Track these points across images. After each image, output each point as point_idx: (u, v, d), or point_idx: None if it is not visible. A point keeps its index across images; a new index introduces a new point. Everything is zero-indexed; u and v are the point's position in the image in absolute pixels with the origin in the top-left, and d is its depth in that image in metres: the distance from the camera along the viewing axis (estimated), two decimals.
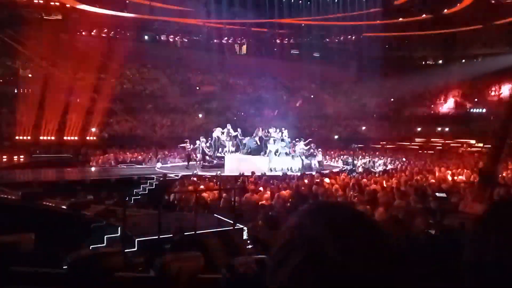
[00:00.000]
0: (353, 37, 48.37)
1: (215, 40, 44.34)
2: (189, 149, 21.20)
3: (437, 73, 44.27)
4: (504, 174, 15.06)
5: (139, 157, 24.43)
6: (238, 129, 21.60)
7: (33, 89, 29.02)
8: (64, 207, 8.75)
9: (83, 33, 37.62)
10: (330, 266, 0.61)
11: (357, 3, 44.84)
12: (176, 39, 43.86)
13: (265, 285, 0.68)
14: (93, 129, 28.93)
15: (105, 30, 38.98)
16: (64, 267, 3.85)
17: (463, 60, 45.59)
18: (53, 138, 27.35)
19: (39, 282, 3.89)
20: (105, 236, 7.16)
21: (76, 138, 28.53)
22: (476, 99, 41.29)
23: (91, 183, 14.70)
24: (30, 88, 29.78)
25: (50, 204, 9.00)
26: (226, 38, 45.33)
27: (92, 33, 38.27)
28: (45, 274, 3.91)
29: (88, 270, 3.62)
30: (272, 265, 0.67)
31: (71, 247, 4.96)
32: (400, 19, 44.73)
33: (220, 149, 21.21)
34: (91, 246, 6.32)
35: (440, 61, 47.77)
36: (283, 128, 21.64)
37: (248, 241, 7.66)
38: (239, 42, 46.67)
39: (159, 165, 21.09)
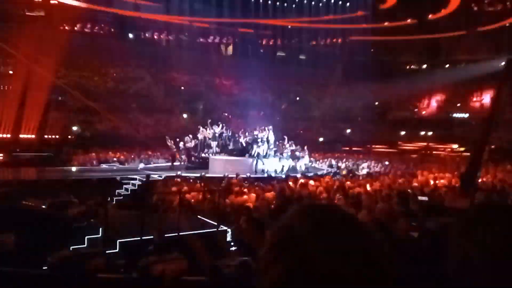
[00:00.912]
0: (339, 41, 48.82)
1: (201, 39, 44.24)
2: (174, 149, 21.06)
3: (421, 78, 45.06)
4: (484, 179, 15.39)
5: (122, 157, 24.16)
6: (226, 129, 21.52)
7: (14, 86, 28.46)
8: (44, 206, 8.60)
9: (67, 30, 37.03)
10: (318, 266, 0.61)
11: (343, 7, 45.34)
12: (162, 36, 43.56)
13: (249, 286, 0.68)
14: (75, 128, 28.51)
15: (89, 26, 38.47)
16: (44, 267, 3.78)
17: (447, 66, 46.44)
18: (33, 136, 26.85)
19: (19, 283, 3.80)
20: (86, 237, 7.06)
21: (57, 136, 28.07)
22: (458, 104, 42.08)
23: (72, 182, 14.47)
24: (11, 85, 29.21)
25: (30, 203, 8.83)
26: (212, 38, 45.22)
27: (76, 29, 37.69)
28: (25, 275, 3.82)
29: (69, 271, 3.55)
30: (261, 266, 0.67)
31: (52, 248, 4.87)
32: (386, 23, 45.38)
33: (205, 150, 21.14)
34: (71, 247, 6.22)
35: (424, 66, 48.55)
36: (268, 128, 21.56)
37: (232, 243, 7.64)
38: (224, 42, 46.62)
39: (141, 165, 20.90)
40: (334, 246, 0.63)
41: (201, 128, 21.67)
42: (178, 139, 21.59)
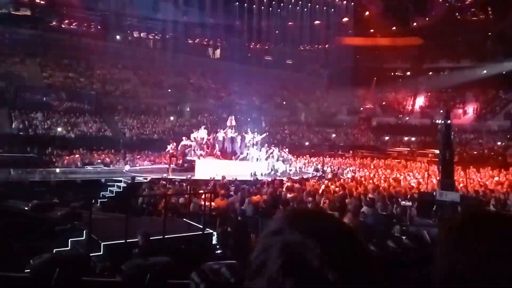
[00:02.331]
0: (326, 46, 49.24)
1: (189, 40, 44.12)
2: (174, 151, 20.59)
3: (406, 85, 45.73)
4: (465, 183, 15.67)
5: (107, 159, 23.87)
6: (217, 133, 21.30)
7: None
8: (27, 209, 8.45)
9: (53, 30, 36.57)
10: (308, 271, 0.63)
11: (329, 13, 45.76)
12: (149, 36, 43.29)
13: None
14: (59, 129, 28.07)
15: (75, 26, 38.03)
16: (26, 271, 3.72)
17: (430, 73, 47.22)
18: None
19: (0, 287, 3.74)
20: (70, 240, 6.97)
21: (41, 137, 27.58)
22: (441, 111, 42.72)
23: (56, 184, 14.25)
24: None
25: (12, 205, 8.68)
26: (198, 40, 45.16)
27: (62, 29, 37.22)
28: (7, 278, 3.76)
29: (52, 274, 3.51)
30: (251, 270, 0.68)
31: (34, 251, 4.80)
32: (371, 30, 45.96)
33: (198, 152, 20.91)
34: (54, 250, 6.14)
35: (409, 73, 49.25)
36: (255, 134, 21.83)
37: (218, 246, 7.63)
38: (212, 44, 46.57)
39: (127, 167, 20.68)
40: (324, 251, 0.64)
41: (196, 131, 21.38)
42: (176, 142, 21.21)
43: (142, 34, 42.80)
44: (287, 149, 23.81)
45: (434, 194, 10.66)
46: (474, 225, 0.80)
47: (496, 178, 18.76)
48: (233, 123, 21.51)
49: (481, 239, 0.76)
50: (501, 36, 37.98)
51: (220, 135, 20.91)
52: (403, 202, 9.88)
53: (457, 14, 42.11)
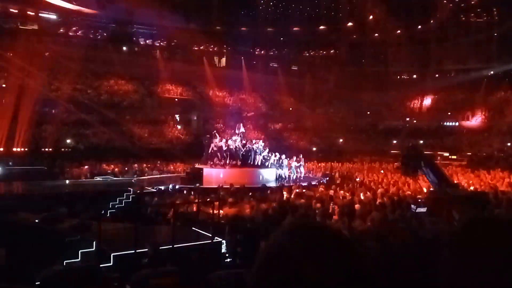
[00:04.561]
0: (331, 52, 49.27)
1: (195, 47, 44.36)
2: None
3: (412, 88, 45.53)
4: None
5: (116, 169, 24.02)
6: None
7: (7, 100, 28.34)
8: (37, 220, 8.51)
9: (60, 43, 37.03)
10: (307, 285, 0.63)
11: (335, 18, 45.80)
12: (156, 44, 43.57)
13: None
14: (68, 141, 28.35)
15: (82, 37, 38.46)
16: (36, 283, 3.75)
17: (437, 75, 46.99)
18: (26, 149, 26.64)
19: None
20: (80, 251, 7.00)
21: (51, 149, 27.87)
22: (449, 113, 42.46)
23: (65, 196, 14.34)
24: (4, 98, 29.09)
25: (22, 218, 8.75)
26: (203, 47, 45.38)
27: (69, 42, 37.67)
28: None
29: (62, 286, 3.52)
30: (252, 283, 0.69)
31: (44, 263, 4.83)
32: (376, 34, 45.92)
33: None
34: (65, 261, 6.17)
35: (415, 76, 49.06)
36: (261, 141, 21.95)
37: (227, 255, 7.61)
38: (217, 51, 46.78)
39: (135, 177, 20.79)
40: (322, 265, 0.65)
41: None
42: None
43: (148, 42, 43.08)
44: (297, 156, 23.72)
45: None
46: (477, 231, 0.81)
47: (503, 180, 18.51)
48: (242, 130, 21.55)
49: (484, 244, 0.76)
50: (506, 37, 37.71)
51: (232, 143, 20.84)
52: (413, 206, 9.81)
53: (461, 15, 41.92)
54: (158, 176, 22.52)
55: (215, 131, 21.92)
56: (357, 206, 9.88)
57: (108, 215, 12.13)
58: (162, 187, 15.97)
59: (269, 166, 20.82)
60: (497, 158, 30.02)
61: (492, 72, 41.37)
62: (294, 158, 23.33)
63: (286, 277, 0.65)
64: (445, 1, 41.14)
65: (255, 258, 0.73)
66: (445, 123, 41.98)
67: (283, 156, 22.11)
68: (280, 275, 0.65)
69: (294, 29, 45.85)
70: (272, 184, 18.35)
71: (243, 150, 20.47)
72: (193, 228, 8.55)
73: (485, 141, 36.24)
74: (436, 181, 11.72)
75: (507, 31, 36.99)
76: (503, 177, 19.72)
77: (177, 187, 16.09)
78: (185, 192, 14.60)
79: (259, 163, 20.53)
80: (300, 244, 0.68)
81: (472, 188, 14.96)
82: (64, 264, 5.95)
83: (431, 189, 12.20)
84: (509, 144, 33.93)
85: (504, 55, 39.28)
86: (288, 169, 21.96)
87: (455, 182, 13.70)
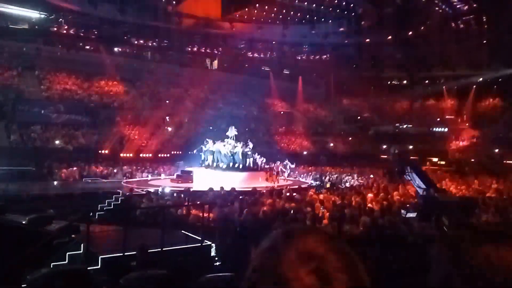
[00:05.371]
0: (322, 56, 49.51)
1: (187, 48, 44.28)
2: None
3: (402, 93, 45.98)
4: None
5: (105, 171, 23.82)
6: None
7: None
8: (24, 222, 8.40)
9: (51, 42, 36.72)
10: None
11: (326, 23, 46.09)
12: (147, 44, 43.37)
13: None
14: (57, 142, 28.00)
15: (73, 38, 38.15)
16: (23, 285, 3.70)
17: (427, 81, 47.55)
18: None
19: None
20: (68, 253, 6.92)
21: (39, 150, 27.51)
22: (438, 119, 42.90)
23: (53, 197, 14.19)
24: None
25: (9, 219, 8.62)
26: (196, 48, 45.34)
27: (60, 42, 37.35)
28: None
29: None
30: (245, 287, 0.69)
31: (31, 265, 4.77)
32: (367, 40, 46.30)
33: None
34: (52, 264, 6.10)
35: (405, 82, 49.54)
36: (249, 142, 21.80)
37: (216, 258, 7.59)
38: (209, 54, 46.76)
39: (125, 179, 20.66)
40: (315, 270, 0.65)
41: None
42: None
43: (139, 43, 42.84)
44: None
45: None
46: (466, 238, 0.81)
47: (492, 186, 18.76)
48: (235, 133, 21.49)
49: (472, 252, 0.77)
50: (496, 44, 38.27)
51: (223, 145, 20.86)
52: (403, 211, 9.88)
53: (452, 23, 42.42)
54: (148, 178, 22.40)
55: (206, 139, 21.92)
56: (347, 210, 9.91)
57: (97, 217, 12.02)
58: (152, 190, 15.86)
59: (258, 169, 20.82)
60: (485, 164, 30.37)
61: (481, 79, 41.93)
62: (278, 162, 23.20)
63: (278, 282, 0.65)
64: (436, 8, 41.61)
65: (247, 262, 0.72)
66: (434, 129, 42.38)
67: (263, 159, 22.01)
68: (272, 279, 0.65)
69: (286, 32, 46.03)
70: (262, 187, 18.35)
71: (234, 153, 20.47)
72: (182, 231, 8.50)
73: (474, 147, 36.66)
74: (422, 187, 11.85)
75: (497, 38, 37.55)
76: (490, 182, 19.98)
77: (167, 189, 16.00)
78: (175, 194, 14.52)
79: (250, 166, 20.55)
80: (293, 249, 0.68)
81: (460, 193, 15.12)
82: (52, 266, 5.87)
83: (420, 194, 12.31)
84: (496, 150, 34.36)
85: (493, 62, 39.86)
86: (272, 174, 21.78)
87: (442, 187, 13.86)
